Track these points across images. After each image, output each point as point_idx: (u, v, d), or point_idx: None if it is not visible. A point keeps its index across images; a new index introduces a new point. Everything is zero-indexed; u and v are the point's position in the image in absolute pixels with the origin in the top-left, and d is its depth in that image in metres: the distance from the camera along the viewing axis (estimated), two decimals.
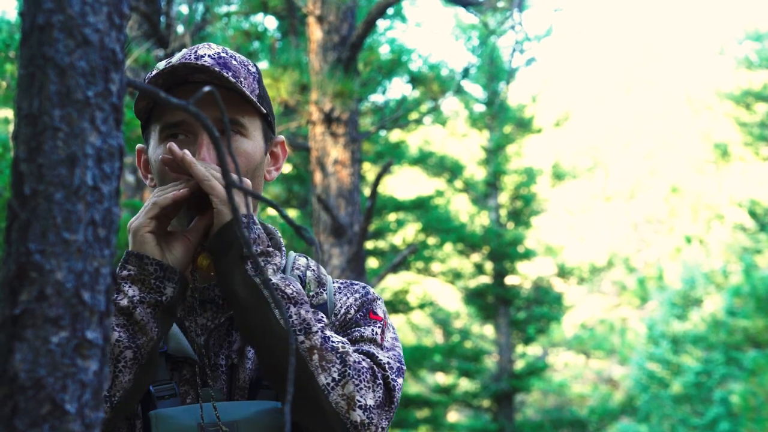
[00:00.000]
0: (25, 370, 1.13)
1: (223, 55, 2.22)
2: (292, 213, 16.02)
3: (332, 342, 2.06)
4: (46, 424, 1.14)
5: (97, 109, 1.18)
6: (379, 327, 2.25)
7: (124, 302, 2.03)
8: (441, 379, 23.05)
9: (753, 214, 22.20)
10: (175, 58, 2.21)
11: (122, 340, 2.01)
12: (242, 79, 2.21)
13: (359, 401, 2.05)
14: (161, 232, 2.11)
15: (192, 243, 2.12)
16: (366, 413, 2.05)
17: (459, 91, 13.62)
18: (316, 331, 2.05)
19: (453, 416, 25.30)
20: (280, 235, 2.37)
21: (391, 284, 19.94)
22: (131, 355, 2.01)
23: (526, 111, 21.41)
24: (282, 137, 2.35)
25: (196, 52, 2.21)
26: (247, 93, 2.17)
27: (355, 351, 2.12)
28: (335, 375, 2.04)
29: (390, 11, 14.48)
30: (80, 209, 1.16)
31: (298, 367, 2.03)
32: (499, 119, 21.01)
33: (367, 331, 2.22)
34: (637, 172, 36.74)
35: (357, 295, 2.30)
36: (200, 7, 11.00)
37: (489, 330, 22.64)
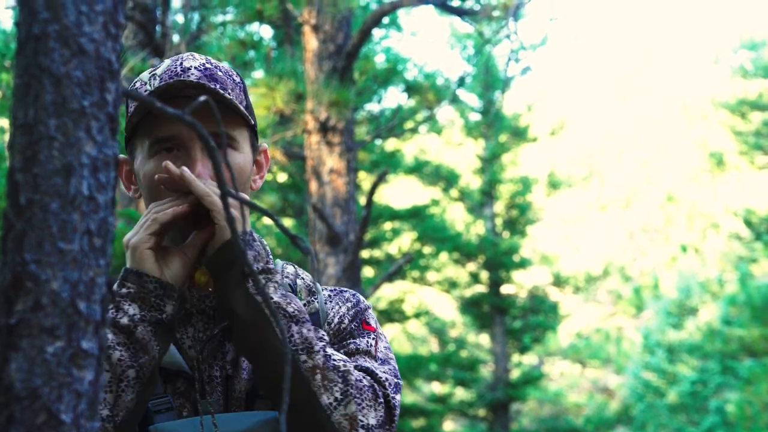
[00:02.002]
0: (21, 380, 1.13)
1: (208, 66, 2.20)
2: (288, 222, 16.02)
3: (333, 360, 2.05)
4: None
5: (92, 118, 1.18)
6: (372, 338, 2.24)
7: (125, 321, 2.00)
8: (437, 388, 23.04)
9: (748, 223, 22.22)
10: (161, 69, 2.19)
11: (124, 360, 1.99)
12: (230, 91, 2.19)
13: (361, 421, 2.04)
14: (159, 247, 2.09)
15: (189, 259, 2.09)
16: None
17: (454, 100, 13.63)
18: (318, 350, 2.04)
19: (449, 425, 25.28)
20: (266, 244, 2.36)
21: (386, 293, 19.93)
22: (134, 374, 1.99)
23: (522, 120, 21.44)
24: (265, 145, 2.33)
25: (181, 63, 2.19)
26: (239, 105, 2.16)
27: (354, 367, 2.11)
28: (337, 395, 2.03)
29: (385, 20, 14.50)
30: (76, 219, 1.16)
31: (301, 388, 2.02)
32: (495, 128, 21.03)
33: (362, 343, 2.20)
34: (633, 180, 36.79)
35: (349, 305, 2.28)
36: (196, 17, 11.01)
37: (485, 339, 22.64)
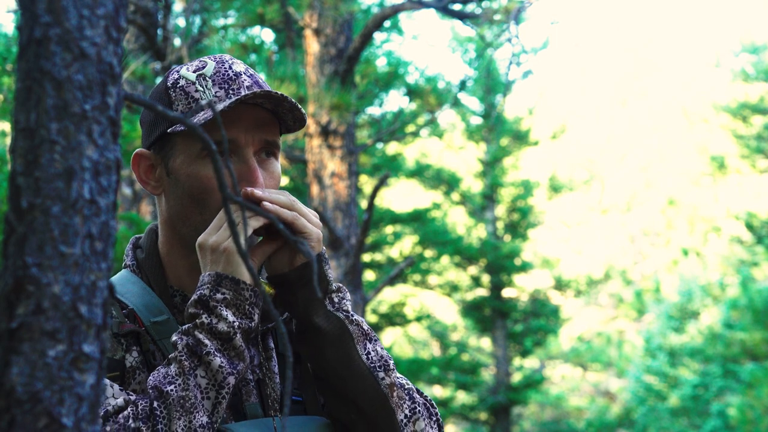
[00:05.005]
0: (22, 384, 1.13)
1: (251, 71, 2.21)
2: None
3: (399, 378, 2.14)
4: None
5: (94, 122, 1.18)
6: None
7: (223, 327, 1.99)
8: (438, 392, 23.03)
9: (750, 227, 22.21)
10: (208, 71, 2.17)
11: (224, 367, 1.98)
12: None
13: None
14: None
15: (257, 266, 2.10)
16: None
17: (456, 103, 13.63)
18: (393, 368, 2.12)
19: (450, 429, 25.28)
20: None
21: (388, 297, 19.94)
22: (233, 381, 1.99)
23: (523, 123, 21.43)
24: None
25: (231, 67, 2.19)
26: (303, 113, 2.17)
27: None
28: (407, 412, 2.12)
29: (387, 24, 14.51)
30: (77, 223, 1.16)
31: (381, 405, 2.10)
32: (496, 132, 21.03)
33: None
34: (634, 184, 36.77)
35: None
36: (197, 20, 11.01)
37: (486, 343, 22.63)
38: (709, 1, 64.31)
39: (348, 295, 2.14)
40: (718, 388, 20.98)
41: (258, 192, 2.07)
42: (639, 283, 30.84)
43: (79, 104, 1.17)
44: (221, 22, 11.78)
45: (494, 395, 20.44)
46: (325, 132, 9.38)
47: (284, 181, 15.67)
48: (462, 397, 21.84)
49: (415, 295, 20.99)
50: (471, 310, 21.21)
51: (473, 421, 21.39)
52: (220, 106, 2.10)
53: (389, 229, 18.91)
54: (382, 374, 2.10)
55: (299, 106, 2.13)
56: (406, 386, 2.13)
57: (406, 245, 19.42)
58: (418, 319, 19.88)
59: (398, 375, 2.14)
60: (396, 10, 9.35)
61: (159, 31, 9.33)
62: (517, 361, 21.81)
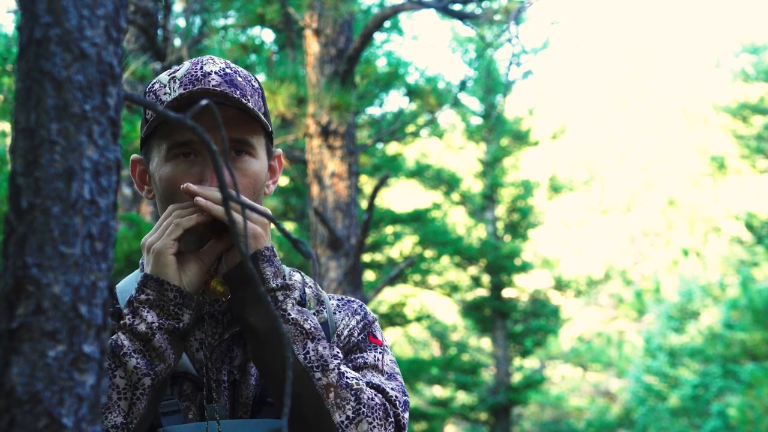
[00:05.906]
0: (22, 384, 1.13)
1: (228, 71, 2.20)
2: (289, 226, 16.01)
3: (347, 379, 2.09)
4: None
5: (94, 122, 1.18)
6: (380, 352, 2.27)
7: (142, 328, 2.02)
8: (438, 392, 23.02)
9: (750, 227, 22.20)
10: (180, 72, 2.19)
11: (140, 367, 2.00)
12: (249, 97, 2.19)
13: None
14: (178, 253, 2.10)
15: (205, 266, 2.11)
16: None
17: (456, 103, 13.63)
18: (333, 369, 2.07)
19: (450, 429, 25.28)
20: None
21: (388, 297, 19.92)
22: (149, 382, 2.01)
23: (523, 124, 21.42)
24: (279, 150, 2.34)
25: (201, 68, 2.19)
26: (258, 113, 2.16)
27: (366, 384, 2.13)
28: (349, 413, 2.07)
29: (387, 24, 14.50)
30: (77, 223, 1.16)
31: (315, 405, 2.05)
32: (496, 132, 21.02)
33: (370, 357, 2.23)
34: (634, 184, 36.76)
35: (358, 317, 2.31)
36: (197, 21, 11.01)
37: (486, 343, 22.62)
38: (709, 1, 64.31)
39: (295, 293, 2.11)
40: (718, 389, 20.97)
41: (193, 187, 2.07)
42: (639, 284, 30.83)
43: (79, 104, 1.17)
44: (221, 22, 11.78)
45: (494, 395, 20.43)
46: (325, 132, 9.38)
47: (284, 180, 15.67)
48: (462, 397, 21.83)
49: (415, 295, 20.98)
50: (471, 310, 21.21)
51: (473, 421, 21.38)
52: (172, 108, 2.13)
53: (389, 229, 18.90)
54: (318, 374, 2.06)
55: (247, 106, 2.14)
56: (354, 386, 2.08)
57: (406, 245, 19.41)
58: (418, 319, 19.87)
59: (350, 375, 2.10)
60: (396, 10, 9.34)
61: (159, 32, 9.33)
62: (517, 362, 21.81)
